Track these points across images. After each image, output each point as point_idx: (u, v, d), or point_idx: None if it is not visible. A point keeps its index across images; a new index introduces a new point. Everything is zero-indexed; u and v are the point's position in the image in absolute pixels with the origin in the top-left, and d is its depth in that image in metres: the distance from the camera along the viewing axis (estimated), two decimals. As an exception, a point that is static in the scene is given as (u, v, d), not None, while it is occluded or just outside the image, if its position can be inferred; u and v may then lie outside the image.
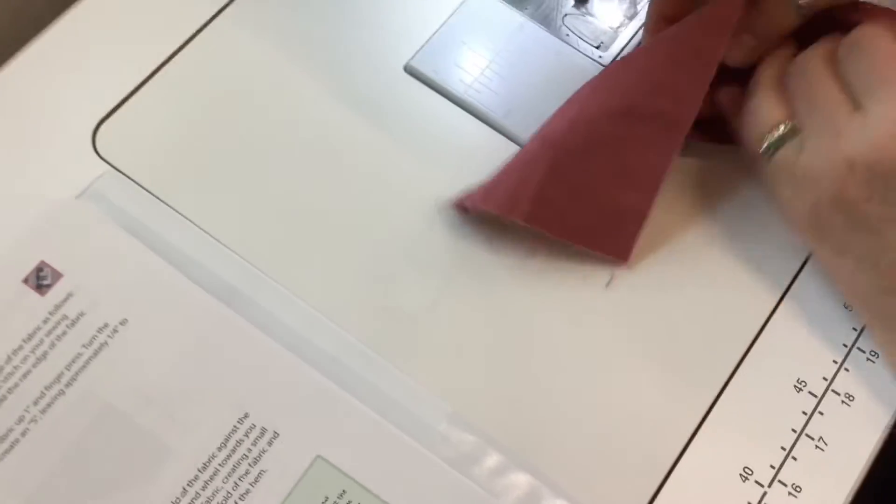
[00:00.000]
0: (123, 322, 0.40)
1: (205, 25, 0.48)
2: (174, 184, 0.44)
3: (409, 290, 0.43)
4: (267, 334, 0.41)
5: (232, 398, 0.39)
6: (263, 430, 0.39)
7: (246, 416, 0.39)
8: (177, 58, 0.47)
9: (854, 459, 0.41)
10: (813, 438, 0.41)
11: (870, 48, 0.38)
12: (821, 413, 0.41)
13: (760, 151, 0.40)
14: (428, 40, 0.49)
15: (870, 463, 0.41)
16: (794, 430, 0.41)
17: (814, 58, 0.40)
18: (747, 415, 0.41)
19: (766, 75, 0.41)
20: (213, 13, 0.49)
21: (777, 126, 0.40)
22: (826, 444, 0.41)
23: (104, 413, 0.38)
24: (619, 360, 0.42)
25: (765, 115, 0.40)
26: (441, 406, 0.40)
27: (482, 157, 0.46)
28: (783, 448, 0.40)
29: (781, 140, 0.40)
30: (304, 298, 0.42)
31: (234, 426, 0.38)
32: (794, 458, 0.40)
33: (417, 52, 0.49)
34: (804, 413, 0.41)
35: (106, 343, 0.40)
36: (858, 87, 0.38)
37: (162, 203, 0.44)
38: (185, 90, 0.47)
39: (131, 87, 0.46)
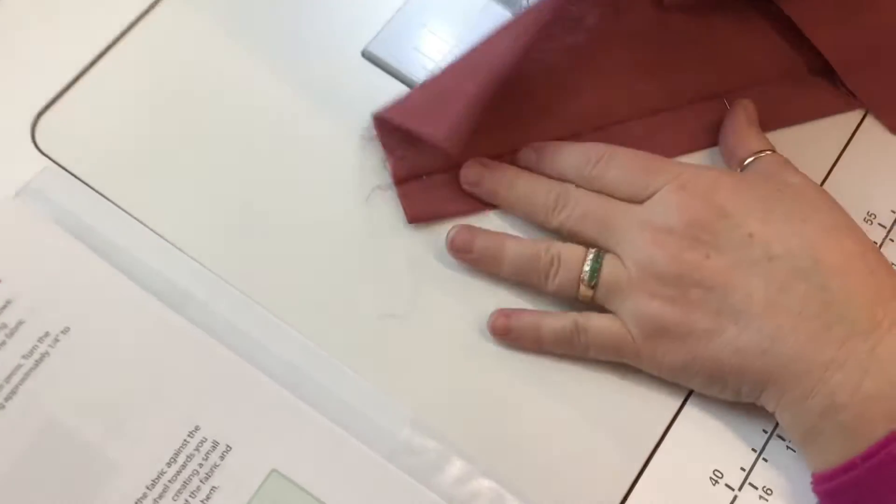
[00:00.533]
0: (66, 331, 0.38)
1: (149, 9, 0.46)
2: (121, 180, 0.42)
3: (369, 293, 0.41)
4: (220, 341, 0.39)
5: (182, 410, 0.37)
6: (215, 444, 0.37)
7: (197, 428, 0.37)
8: (120, 44, 0.45)
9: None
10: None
11: (618, 157, 0.40)
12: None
13: (581, 289, 0.39)
14: (386, 24, 0.47)
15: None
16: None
17: (574, 189, 0.41)
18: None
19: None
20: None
21: (584, 260, 0.39)
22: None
23: (47, 428, 0.36)
24: (583, 364, 0.40)
25: (568, 260, 0.40)
26: (403, 412, 0.39)
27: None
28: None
29: (595, 269, 0.39)
30: (260, 302, 0.40)
31: (185, 440, 0.37)
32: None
33: (375, 36, 0.46)
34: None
35: (47, 353, 0.37)
36: (630, 190, 0.40)
37: (108, 201, 0.41)
38: (130, 78, 0.44)
39: (72, 76, 0.44)
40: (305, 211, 0.42)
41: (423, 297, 0.41)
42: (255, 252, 0.41)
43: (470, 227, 0.41)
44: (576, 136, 0.43)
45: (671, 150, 0.44)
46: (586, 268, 0.39)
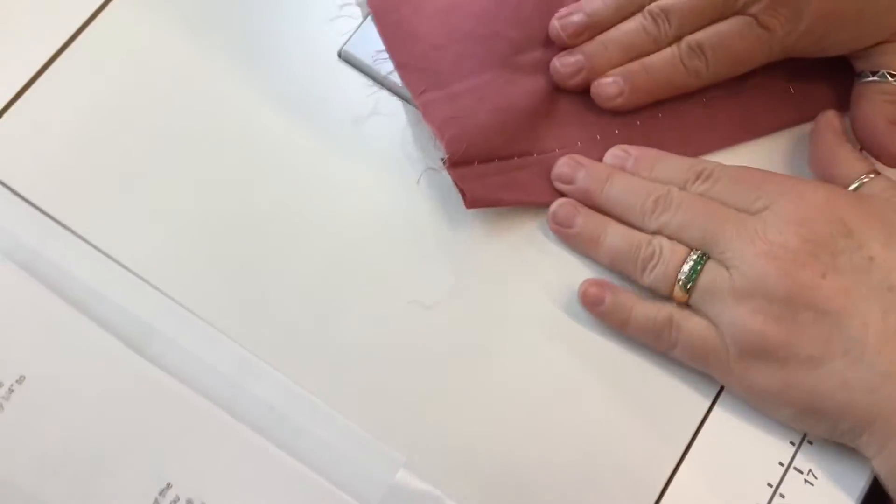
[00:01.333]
0: (21, 380, 0.34)
1: (99, 11, 0.41)
2: (75, 202, 0.38)
3: (353, 326, 0.38)
4: (191, 385, 0.35)
5: (152, 465, 0.34)
6: (190, 502, 0.34)
7: (169, 486, 0.34)
8: (69, 50, 0.41)
9: None
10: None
11: (727, 172, 0.38)
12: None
13: (676, 288, 0.37)
14: (362, 22, 0.43)
15: None
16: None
17: (678, 192, 0.38)
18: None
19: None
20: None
21: (685, 260, 0.37)
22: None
23: (2, 491, 0.33)
24: (587, 402, 0.38)
25: (668, 256, 0.37)
26: (394, 457, 0.36)
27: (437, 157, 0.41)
28: None
29: (695, 272, 0.37)
30: (234, 337, 0.37)
31: (156, 499, 0.34)
32: None
33: (351, 36, 0.43)
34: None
35: (1, 406, 0.34)
36: (740, 201, 0.37)
37: (59, 225, 0.38)
38: (82, 88, 0.40)
39: (17, 88, 0.40)
40: (279, 234, 0.39)
41: (411, 328, 0.38)
42: (226, 281, 0.38)
43: (574, 203, 0.39)
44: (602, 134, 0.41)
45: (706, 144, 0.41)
46: (685, 268, 0.36)
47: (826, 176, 0.39)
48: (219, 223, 0.39)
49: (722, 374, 0.36)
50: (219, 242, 0.38)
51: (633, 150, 0.40)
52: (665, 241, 0.37)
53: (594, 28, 0.41)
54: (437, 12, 0.42)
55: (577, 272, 0.39)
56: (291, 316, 0.38)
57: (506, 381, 0.38)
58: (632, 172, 0.39)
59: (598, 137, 0.41)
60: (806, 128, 0.42)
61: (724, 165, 0.38)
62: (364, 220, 0.39)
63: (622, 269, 0.38)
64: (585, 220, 0.39)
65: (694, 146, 0.41)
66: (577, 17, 0.41)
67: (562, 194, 0.40)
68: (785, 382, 0.35)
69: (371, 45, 0.42)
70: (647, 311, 0.37)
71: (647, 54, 0.40)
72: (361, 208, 0.40)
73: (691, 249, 0.37)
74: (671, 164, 0.39)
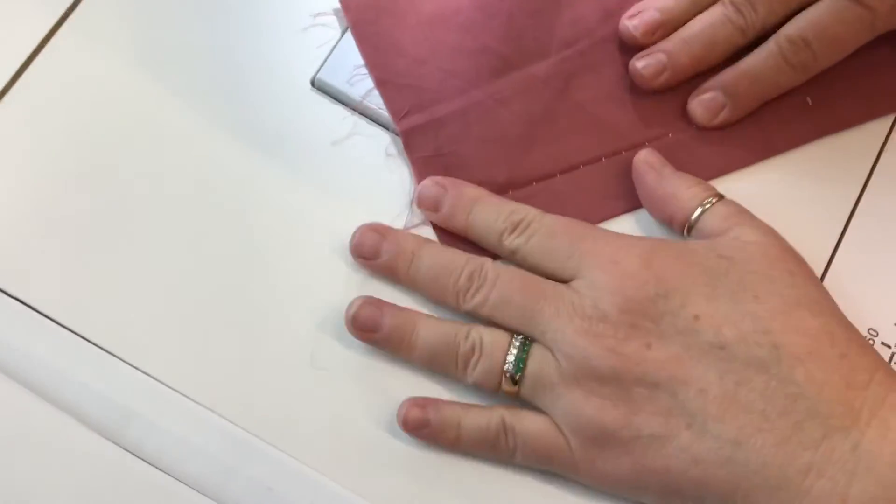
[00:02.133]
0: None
1: (45, 41, 0.37)
2: (20, 267, 0.34)
3: (353, 390, 0.34)
4: (176, 475, 0.32)
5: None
6: None
7: None
8: (11, 92, 0.36)
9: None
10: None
11: (543, 223, 0.35)
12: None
13: (504, 382, 0.33)
14: (335, 47, 0.39)
15: None
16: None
17: (492, 266, 0.35)
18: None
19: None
20: (51, 25, 0.37)
21: (508, 349, 0.33)
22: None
23: None
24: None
25: (490, 347, 0.33)
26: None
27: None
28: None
29: (521, 361, 0.33)
30: (222, 414, 0.33)
31: None
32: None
33: (324, 62, 0.39)
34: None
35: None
36: (553, 262, 0.34)
37: (6, 295, 0.34)
38: (24, 131, 0.36)
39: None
40: (262, 287, 0.35)
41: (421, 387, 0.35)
42: (207, 351, 0.34)
43: (377, 302, 0.34)
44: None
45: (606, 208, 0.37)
46: (510, 358, 0.33)
47: (664, 217, 0.36)
48: (194, 283, 0.35)
49: (570, 470, 0.33)
50: (195, 306, 0.34)
51: (450, 186, 0.36)
52: (484, 331, 0.33)
53: (669, 25, 0.37)
54: (420, 24, 0.38)
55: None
56: (284, 384, 0.34)
57: None
58: (447, 216, 0.35)
59: (603, 160, 0.37)
60: (826, 142, 0.39)
61: (542, 215, 0.35)
62: (351, 274, 0.36)
63: (442, 370, 0.34)
64: (392, 321, 0.34)
65: (708, 169, 0.37)
66: (649, 15, 0.37)
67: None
68: (635, 468, 0.31)
69: (345, 71, 0.38)
70: (476, 422, 0.33)
71: (734, 48, 0.37)
72: (346, 262, 0.36)
73: (513, 335, 0.33)
74: (488, 210, 0.35)
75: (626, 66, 0.38)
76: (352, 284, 0.35)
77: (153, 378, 0.33)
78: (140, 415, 0.32)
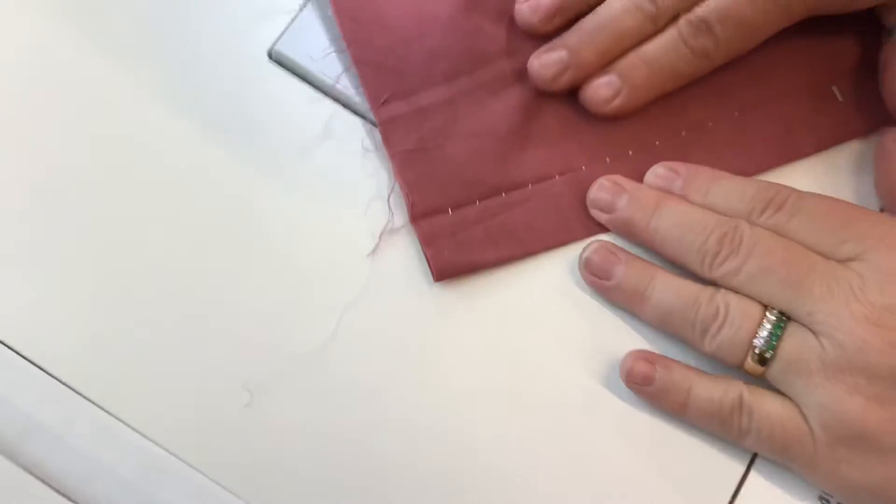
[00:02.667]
0: None
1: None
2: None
3: (290, 407, 0.30)
4: (81, 498, 0.28)
5: None
6: None
7: None
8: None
9: None
10: None
11: (805, 202, 0.31)
12: None
13: (748, 360, 0.29)
14: (294, 17, 0.34)
15: None
16: None
17: (749, 229, 0.30)
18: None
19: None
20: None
21: (761, 323, 0.29)
22: None
23: None
24: (613, 474, 0.30)
25: (737, 318, 0.30)
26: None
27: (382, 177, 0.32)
28: None
29: (775, 338, 0.29)
30: (136, 428, 0.29)
31: None
32: None
33: (283, 33, 0.34)
34: None
35: None
36: (822, 242, 0.30)
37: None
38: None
39: None
40: (200, 295, 0.31)
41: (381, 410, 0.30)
42: (124, 357, 0.30)
43: (612, 248, 0.32)
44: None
45: None
46: (762, 333, 0.29)
47: None
48: (115, 280, 0.30)
49: (807, 467, 0.29)
50: (116, 306, 0.30)
51: (682, 169, 0.32)
52: (732, 297, 0.30)
53: (568, 9, 0.32)
54: None
55: (618, 336, 0.32)
56: (210, 398, 0.30)
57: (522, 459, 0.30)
58: (680, 198, 0.32)
59: (608, 160, 0.33)
60: (857, 145, 0.34)
61: (801, 193, 0.30)
62: (302, 280, 0.31)
63: (677, 333, 0.31)
64: (627, 270, 0.31)
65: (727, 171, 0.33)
66: None
67: (567, 235, 0.32)
68: (887, 479, 0.28)
69: (311, 42, 0.34)
70: (710, 392, 0.30)
71: (646, 40, 0.32)
72: (303, 267, 0.31)
73: (766, 308, 0.29)
74: (732, 188, 0.31)
75: None
76: (306, 292, 0.31)
77: (60, 382, 0.29)
78: (42, 425, 0.28)
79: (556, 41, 0.32)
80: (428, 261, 0.30)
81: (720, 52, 0.32)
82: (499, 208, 0.31)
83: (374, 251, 0.30)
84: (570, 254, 0.32)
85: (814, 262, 0.29)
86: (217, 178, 0.32)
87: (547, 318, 0.31)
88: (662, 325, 0.31)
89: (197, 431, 0.29)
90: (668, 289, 0.30)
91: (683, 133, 0.33)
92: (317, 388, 0.30)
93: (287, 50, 0.34)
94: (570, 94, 0.33)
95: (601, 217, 0.32)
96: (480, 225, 0.31)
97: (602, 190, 0.32)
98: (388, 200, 0.31)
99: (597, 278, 0.31)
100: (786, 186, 0.31)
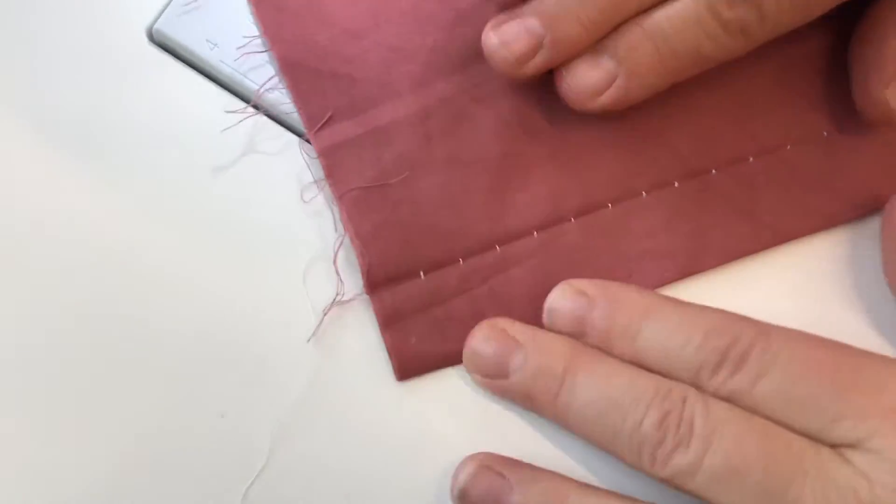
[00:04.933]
0: None
1: None
2: None
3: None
4: None
5: None
6: None
7: None
8: None
9: None
10: None
11: (781, 351, 0.21)
12: None
13: None
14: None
15: None
16: None
17: (700, 402, 0.21)
18: None
19: None
20: None
21: None
22: None
23: None
24: None
25: None
26: None
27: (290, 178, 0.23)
28: None
29: None
30: None
31: None
32: None
33: (164, 9, 0.24)
34: None
35: None
36: (805, 417, 0.20)
37: None
38: None
39: None
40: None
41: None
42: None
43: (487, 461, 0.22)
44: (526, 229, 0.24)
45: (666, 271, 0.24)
46: None
47: None
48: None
49: None
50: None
51: (597, 293, 0.22)
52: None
53: None
54: None
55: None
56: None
57: None
58: (600, 343, 0.22)
59: (644, 194, 0.24)
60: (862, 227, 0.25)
61: (769, 335, 0.21)
62: (204, 389, 0.22)
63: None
64: (526, 499, 0.21)
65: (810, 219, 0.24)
66: None
67: None
68: None
69: (208, 20, 0.24)
70: None
71: (655, 5, 0.22)
72: (197, 361, 0.22)
73: None
74: (672, 330, 0.22)
75: None
76: (211, 417, 0.22)
77: None
78: None
79: (526, 5, 0.22)
80: (388, 351, 0.22)
81: (765, 28, 0.22)
82: (490, 269, 0.23)
83: (314, 335, 0.22)
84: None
85: (801, 456, 0.20)
86: (81, 222, 0.23)
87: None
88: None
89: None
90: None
91: (751, 160, 0.24)
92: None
93: (170, 30, 0.24)
94: None
95: (489, 386, 0.22)
96: (465, 295, 0.22)
97: (484, 342, 0.22)
98: (335, 261, 0.22)
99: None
100: (746, 322, 0.21)
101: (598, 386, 0.21)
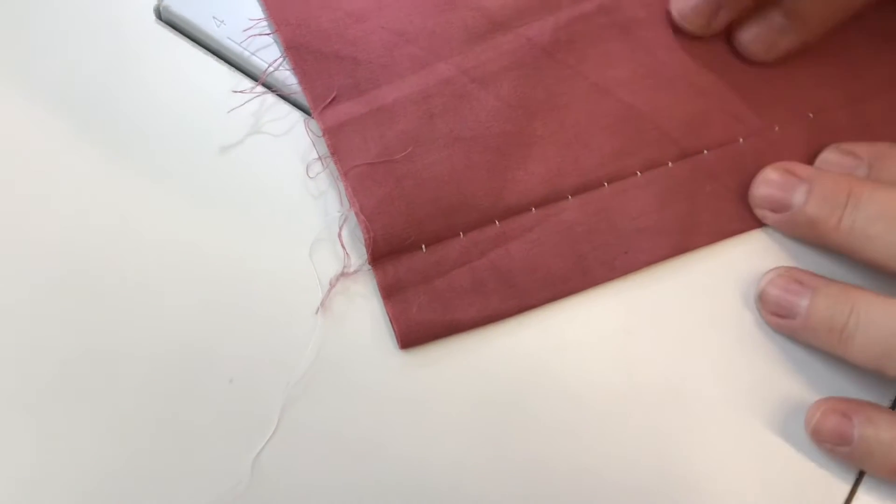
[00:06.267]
0: None
1: None
2: None
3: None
4: None
5: None
6: None
7: None
8: None
9: None
10: None
11: None
12: None
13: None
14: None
15: None
16: None
17: None
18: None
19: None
20: None
21: None
22: None
23: None
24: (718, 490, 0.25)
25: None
26: None
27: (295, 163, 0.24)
28: None
29: None
30: None
31: None
32: None
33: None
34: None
35: None
36: None
37: None
38: None
39: None
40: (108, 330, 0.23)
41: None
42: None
43: (792, 275, 0.24)
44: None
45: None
46: None
47: None
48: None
49: None
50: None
51: (864, 150, 0.25)
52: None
53: None
54: None
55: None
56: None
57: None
58: (876, 182, 0.24)
59: (639, 173, 0.25)
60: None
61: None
62: (212, 361, 0.23)
63: None
64: (815, 302, 0.23)
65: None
66: None
67: (582, 279, 0.24)
68: None
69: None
70: None
71: None
72: (209, 329, 0.23)
73: None
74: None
75: (662, 28, 0.26)
76: (221, 386, 0.23)
77: None
78: None
79: None
80: (391, 320, 0.23)
81: None
82: (490, 242, 0.23)
83: (321, 306, 0.23)
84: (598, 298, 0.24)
85: None
86: (89, 198, 0.23)
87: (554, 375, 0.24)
88: (880, 368, 0.22)
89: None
90: (877, 317, 0.22)
91: (741, 140, 0.26)
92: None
93: (175, 7, 0.25)
94: (587, 83, 0.25)
95: (770, 218, 0.25)
96: (465, 267, 0.23)
97: (769, 185, 0.25)
98: (340, 235, 0.23)
99: (778, 318, 0.24)
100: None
101: (882, 203, 0.23)
